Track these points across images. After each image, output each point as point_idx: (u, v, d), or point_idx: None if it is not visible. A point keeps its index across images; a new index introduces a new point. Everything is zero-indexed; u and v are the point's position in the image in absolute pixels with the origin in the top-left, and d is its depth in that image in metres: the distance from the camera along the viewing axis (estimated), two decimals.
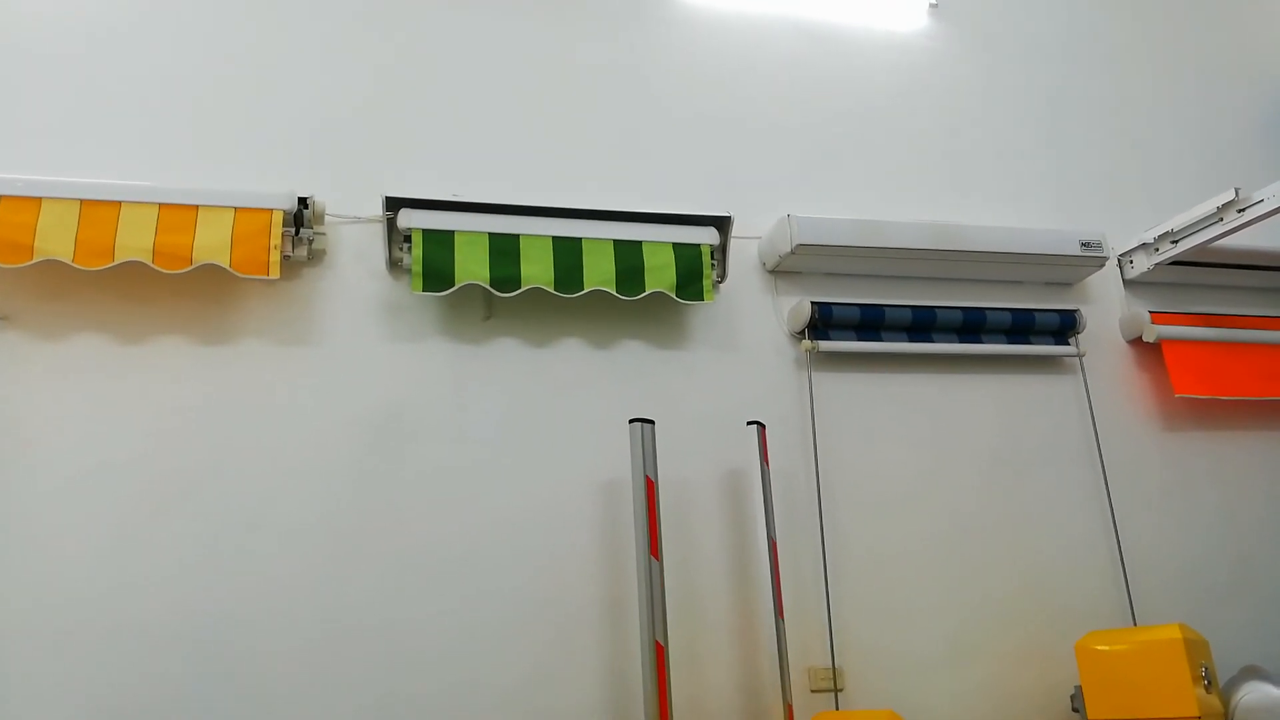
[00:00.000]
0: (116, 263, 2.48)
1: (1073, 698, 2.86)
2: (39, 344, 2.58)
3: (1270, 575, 3.30)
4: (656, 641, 2.44)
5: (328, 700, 2.45)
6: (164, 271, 2.59)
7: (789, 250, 3.06)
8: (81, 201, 2.52)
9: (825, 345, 3.08)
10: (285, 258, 2.75)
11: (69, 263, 2.46)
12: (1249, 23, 4.32)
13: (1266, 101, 4.17)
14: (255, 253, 2.59)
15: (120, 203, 2.55)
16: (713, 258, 2.97)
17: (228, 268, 2.55)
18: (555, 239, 2.82)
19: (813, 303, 3.06)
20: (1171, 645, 2.50)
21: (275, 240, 2.61)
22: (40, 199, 2.49)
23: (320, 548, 2.57)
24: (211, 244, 2.56)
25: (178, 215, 2.57)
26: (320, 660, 2.47)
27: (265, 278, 2.59)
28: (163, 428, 2.58)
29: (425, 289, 2.67)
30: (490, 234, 2.78)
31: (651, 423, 2.63)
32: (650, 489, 2.57)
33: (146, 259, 2.50)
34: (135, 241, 2.51)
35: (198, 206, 2.60)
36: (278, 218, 2.64)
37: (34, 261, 2.42)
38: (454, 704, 2.52)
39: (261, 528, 2.55)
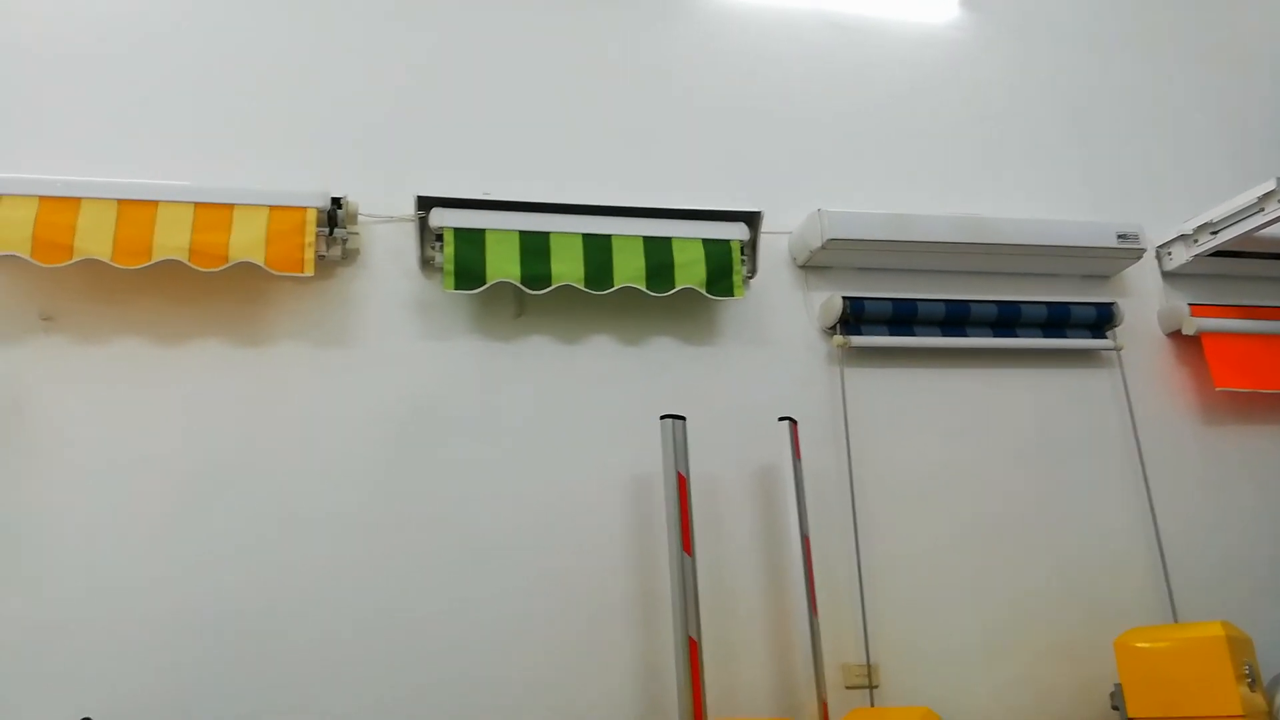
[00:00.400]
0: (154, 261, 2.51)
1: (1112, 695, 2.82)
2: (81, 345, 2.63)
3: None
4: (690, 637, 2.44)
5: (360, 690, 2.47)
6: (200, 270, 2.62)
7: (820, 245, 3.05)
8: (119, 201, 2.56)
9: (857, 340, 3.06)
10: (320, 257, 2.78)
11: (108, 262, 2.49)
12: None
13: None
14: (289, 250, 2.62)
15: (157, 202, 2.58)
16: (743, 253, 2.96)
17: (262, 265, 2.58)
18: (585, 236, 2.83)
19: (844, 298, 3.04)
20: (1214, 643, 2.45)
21: (309, 238, 2.64)
22: (79, 199, 2.53)
23: (353, 542, 2.60)
24: (246, 242, 2.59)
25: (213, 214, 2.61)
26: (352, 652, 2.50)
27: (299, 275, 2.61)
28: (200, 425, 2.62)
29: (457, 287, 2.69)
30: (521, 232, 2.79)
31: (683, 419, 2.63)
32: (682, 485, 2.57)
33: (183, 257, 2.54)
34: (172, 240, 2.54)
35: (233, 205, 2.64)
36: (311, 215, 2.67)
37: (73, 261, 2.46)
38: (486, 694, 2.53)
39: (295, 522, 2.58)
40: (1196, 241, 3.40)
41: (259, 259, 2.58)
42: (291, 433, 2.66)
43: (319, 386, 2.72)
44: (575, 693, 2.58)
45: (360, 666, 2.50)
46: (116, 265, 2.49)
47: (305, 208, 2.67)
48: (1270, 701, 2.67)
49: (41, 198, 2.51)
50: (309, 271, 2.61)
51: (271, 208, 2.65)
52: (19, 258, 2.46)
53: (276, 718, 2.41)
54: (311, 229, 2.66)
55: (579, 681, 2.60)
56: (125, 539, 2.48)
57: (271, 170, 2.91)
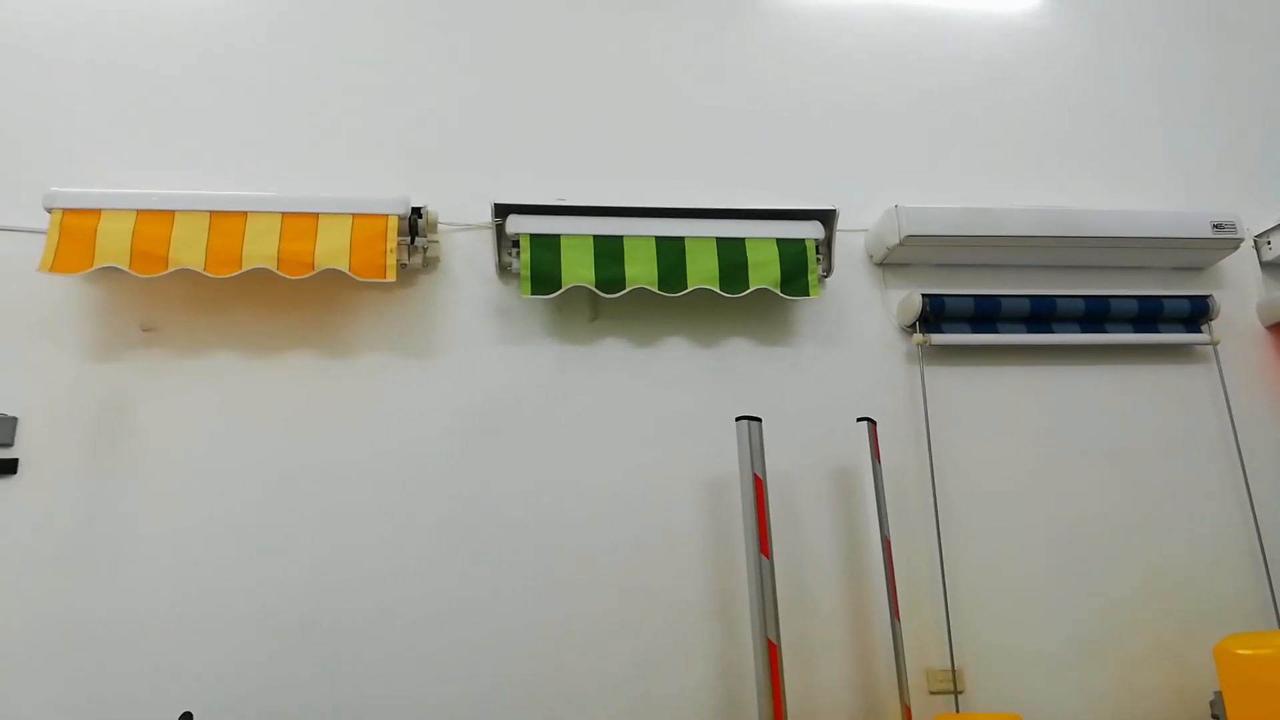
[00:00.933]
0: (244, 270, 2.60)
1: (1212, 704, 2.71)
2: (178, 356, 2.75)
3: None
4: (769, 639, 2.43)
5: (442, 684, 2.54)
6: (288, 278, 2.71)
7: (897, 242, 3.00)
8: (211, 213, 2.66)
9: (938, 338, 3.01)
10: (402, 266, 2.85)
11: (201, 271, 2.60)
12: None
13: None
14: (373, 257, 2.69)
15: (247, 213, 2.68)
16: (818, 252, 2.93)
17: (347, 272, 2.66)
18: (658, 239, 2.84)
19: (923, 295, 2.99)
20: None
21: (391, 244, 2.71)
22: (174, 212, 2.64)
23: (434, 543, 2.66)
24: (331, 250, 2.67)
25: (299, 223, 2.69)
26: (435, 647, 2.57)
27: (382, 280, 2.68)
28: (288, 432, 2.71)
29: (534, 292, 2.73)
30: (595, 236, 2.82)
31: (759, 420, 2.62)
32: (759, 486, 2.56)
33: (272, 266, 2.62)
34: (261, 249, 2.63)
35: (318, 214, 2.72)
36: (393, 222, 2.74)
37: (169, 271, 2.57)
38: (563, 691, 2.57)
39: (378, 523, 2.66)
40: None
41: (344, 266, 2.66)
42: (377, 437, 2.74)
43: (403, 392, 2.80)
44: (653, 691, 2.60)
45: (442, 661, 2.56)
46: (209, 275, 2.59)
47: (387, 215, 2.75)
48: None
49: (139, 211, 2.63)
50: (391, 277, 2.68)
51: (355, 215, 2.73)
52: (119, 269, 2.59)
53: (362, 710, 2.49)
54: (393, 236, 2.72)
55: (657, 680, 2.61)
56: (217, 544, 2.59)
57: (353, 182, 3.00)
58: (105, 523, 2.57)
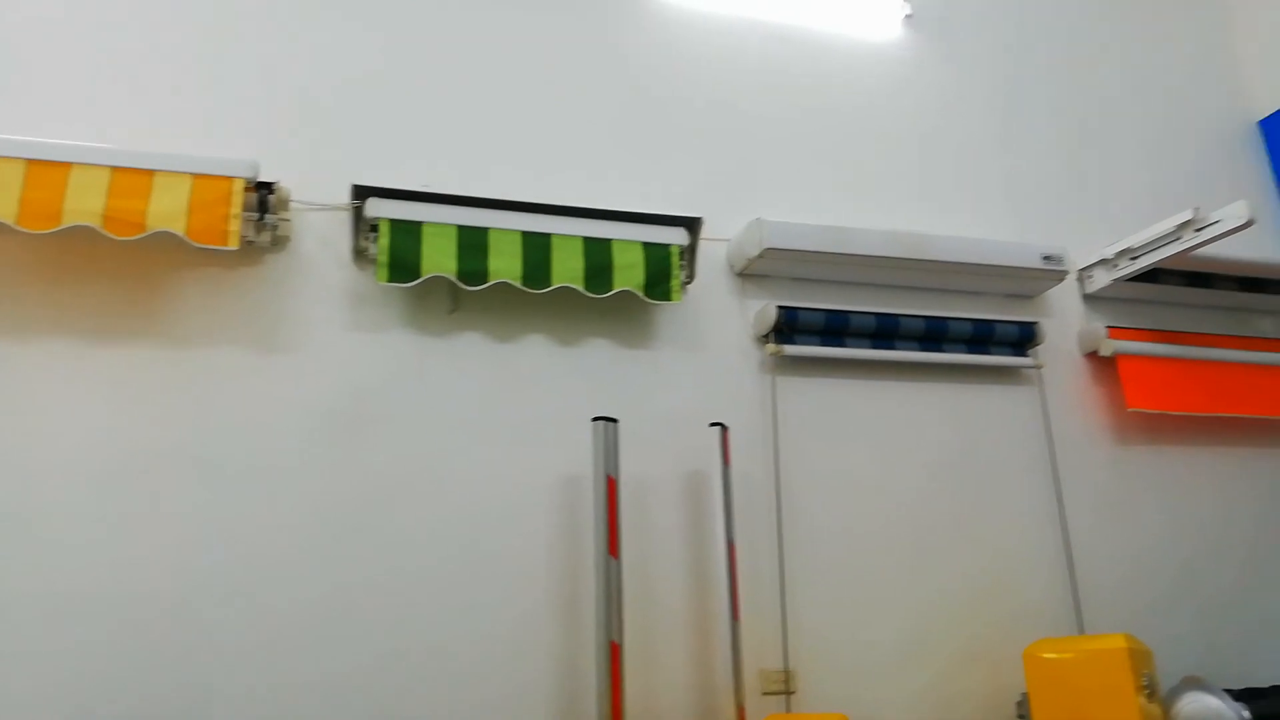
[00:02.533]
0: (64, 227, 2.35)
1: (1019, 704, 2.92)
2: None
3: (1211, 588, 3.39)
4: (612, 641, 2.44)
5: (278, 675, 2.42)
6: (115, 238, 2.44)
7: (757, 254, 3.08)
8: (28, 161, 2.39)
9: (790, 349, 3.10)
10: (248, 242, 2.70)
11: (12, 225, 2.33)
12: (1212, 46, 4.41)
13: (1226, 123, 4.26)
14: (213, 222, 2.48)
15: (70, 164, 2.41)
16: (681, 258, 2.97)
17: (183, 236, 2.44)
18: (525, 234, 2.80)
19: (779, 307, 3.07)
20: (1117, 655, 2.55)
21: (235, 209, 2.51)
22: None
23: (276, 537, 2.54)
24: (167, 210, 2.44)
25: (132, 179, 2.45)
26: (273, 645, 2.45)
27: (224, 248, 2.48)
28: (120, 420, 2.52)
29: (391, 280, 2.64)
30: (459, 226, 2.75)
31: (615, 421, 2.63)
32: (611, 487, 2.57)
33: (97, 224, 2.37)
34: (85, 205, 2.37)
35: (153, 171, 2.48)
36: (238, 186, 2.54)
37: None
38: (401, 685, 2.50)
39: (217, 518, 2.51)
40: (1116, 266, 3.52)
41: (180, 229, 2.44)
42: (215, 425, 2.58)
43: (244, 375, 2.65)
44: (493, 688, 2.57)
45: (282, 654, 2.44)
46: (21, 229, 2.33)
47: (232, 177, 2.54)
48: (1166, 712, 2.79)
49: None
50: (234, 245, 2.48)
51: (196, 176, 2.51)
52: None
53: (203, 698, 2.35)
54: (238, 200, 2.52)
55: (498, 677, 2.58)
56: (43, 539, 2.38)
57: (199, 148, 2.81)
58: None
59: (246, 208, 2.64)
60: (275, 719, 2.41)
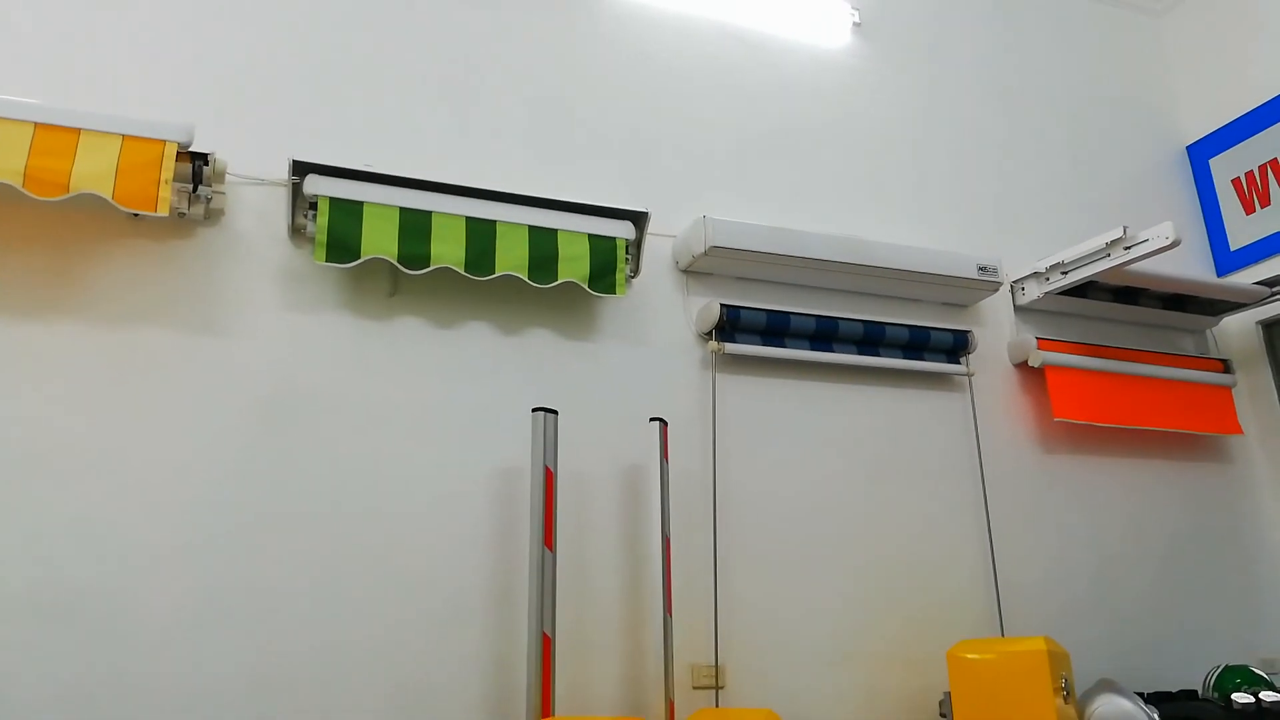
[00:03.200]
0: None
1: (941, 703, 2.97)
2: None
3: (1126, 594, 3.51)
4: (544, 633, 2.42)
5: (203, 664, 2.34)
6: (35, 198, 2.31)
7: (702, 251, 3.08)
8: None
9: (731, 347, 3.11)
10: (180, 214, 2.61)
11: None
12: (1145, 72, 4.57)
13: (1156, 146, 4.42)
14: (143, 186, 2.36)
15: None
16: (627, 252, 2.96)
17: (109, 199, 2.31)
18: (469, 219, 2.76)
19: (722, 304, 3.08)
20: (1036, 657, 2.61)
21: (166, 175, 2.39)
22: None
23: (203, 524, 2.45)
24: (93, 172, 2.31)
25: (56, 137, 2.32)
26: (198, 637, 2.36)
27: (152, 214, 2.36)
28: (46, 392, 2.41)
29: (329, 259, 2.57)
30: (402, 208, 2.69)
31: (555, 413, 2.61)
32: (549, 479, 2.55)
33: (16, 182, 2.24)
34: (4, 162, 2.24)
35: (80, 130, 2.35)
36: (170, 150, 2.42)
37: None
38: (329, 675, 2.44)
39: (138, 506, 2.41)
40: (1048, 279, 3.62)
41: (105, 192, 2.31)
42: (140, 406, 2.48)
43: (172, 353, 2.55)
44: (426, 676, 2.53)
45: (207, 643, 2.35)
46: None
47: (164, 140, 2.42)
48: (1081, 713, 2.87)
49: None
50: (163, 211, 2.36)
51: (125, 137, 2.39)
52: None
53: (118, 695, 2.25)
54: (169, 164, 2.40)
55: (432, 665, 2.54)
56: None
57: (130, 112, 2.70)
58: None
59: (180, 178, 2.54)
60: (204, 710, 2.32)
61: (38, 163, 2.28)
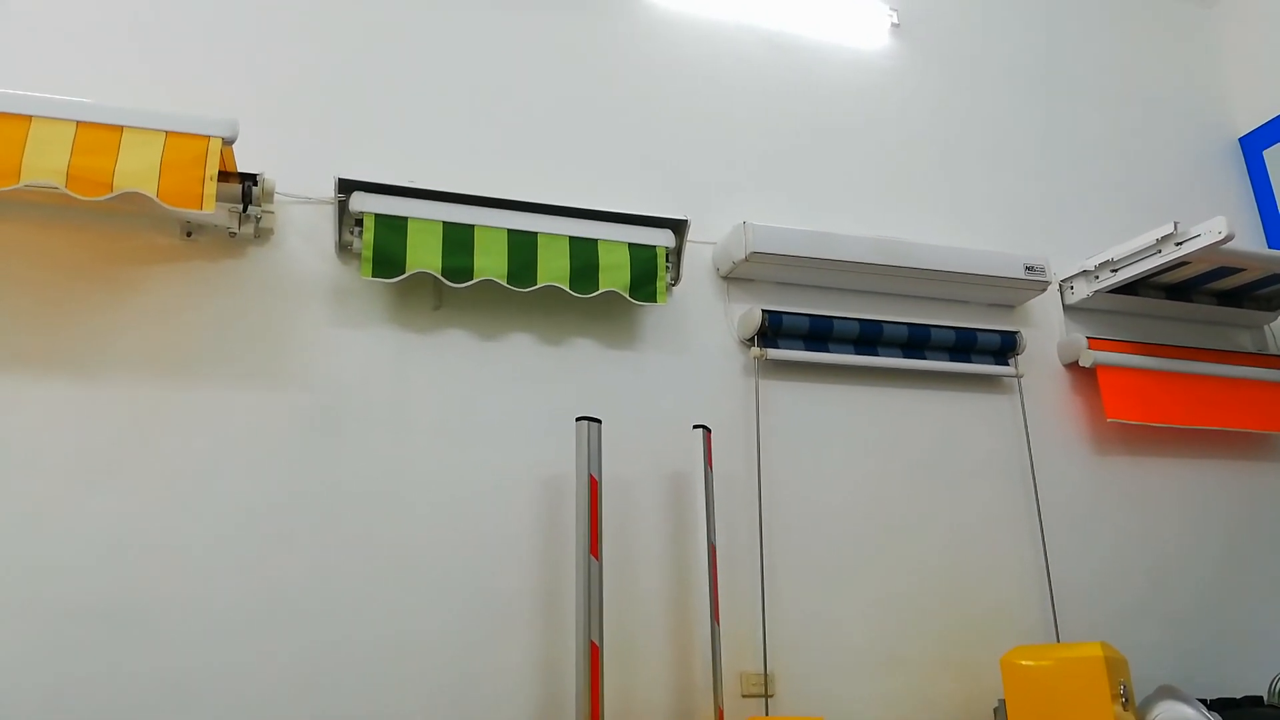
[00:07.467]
0: (22, 184, 2.18)
1: (995, 711, 2.93)
2: None
3: (1185, 598, 3.42)
4: (592, 641, 2.43)
5: (251, 683, 2.39)
6: (79, 197, 2.25)
7: (743, 257, 3.08)
8: None
9: (773, 353, 3.10)
10: (231, 234, 2.68)
11: None
12: (1196, 62, 4.47)
13: (1208, 138, 4.32)
14: (187, 183, 2.31)
15: (31, 117, 2.25)
16: (667, 260, 2.97)
17: (154, 197, 2.27)
18: (511, 232, 2.79)
19: (763, 310, 3.08)
20: (1093, 663, 2.56)
21: (211, 171, 2.34)
22: None
23: (253, 534, 2.50)
24: (136, 169, 2.27)
25: (99, 135, 2.29)
26: (248, 644, 2.41)
27: (198, 211, 2.32)
28: (94, 406, 2.49)
29: (375, 275, 2.62)
30: (445, 223, 2.74)
31: (598, 421, 2.62)
32: (594, 488, 2.56)
33: (59, 182, 2.20)
34: (46, 162, 2.20)
35: (122, 127, 2.32)
36: (215, 145, 2.38)
37: None
38: (378, 682, 2.48)
39: (192, 511, 2.47)
40: (1097, 278, 3.55)
41: (150, 190, 2.26)
42: (195, 416, 2.55)
43: (225, 368, 2.62)
44: (474, 685, 2.55)
45: (260, 654, 2.41)
46: None
47: (209, 136, 2.38)
48: None
49: None
50: (209, 209, 2.32)
51: (169, 134, 2.34)
52: None
53: (177, 697, 2.31)
54: (214, 160, 2.36)
55: (480, 674, 2.56)
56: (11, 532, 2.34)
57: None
58: None
59: (230, 199, 2.61)
60: (258, 711, 2.37)
61: (80, 161, 2.25)
